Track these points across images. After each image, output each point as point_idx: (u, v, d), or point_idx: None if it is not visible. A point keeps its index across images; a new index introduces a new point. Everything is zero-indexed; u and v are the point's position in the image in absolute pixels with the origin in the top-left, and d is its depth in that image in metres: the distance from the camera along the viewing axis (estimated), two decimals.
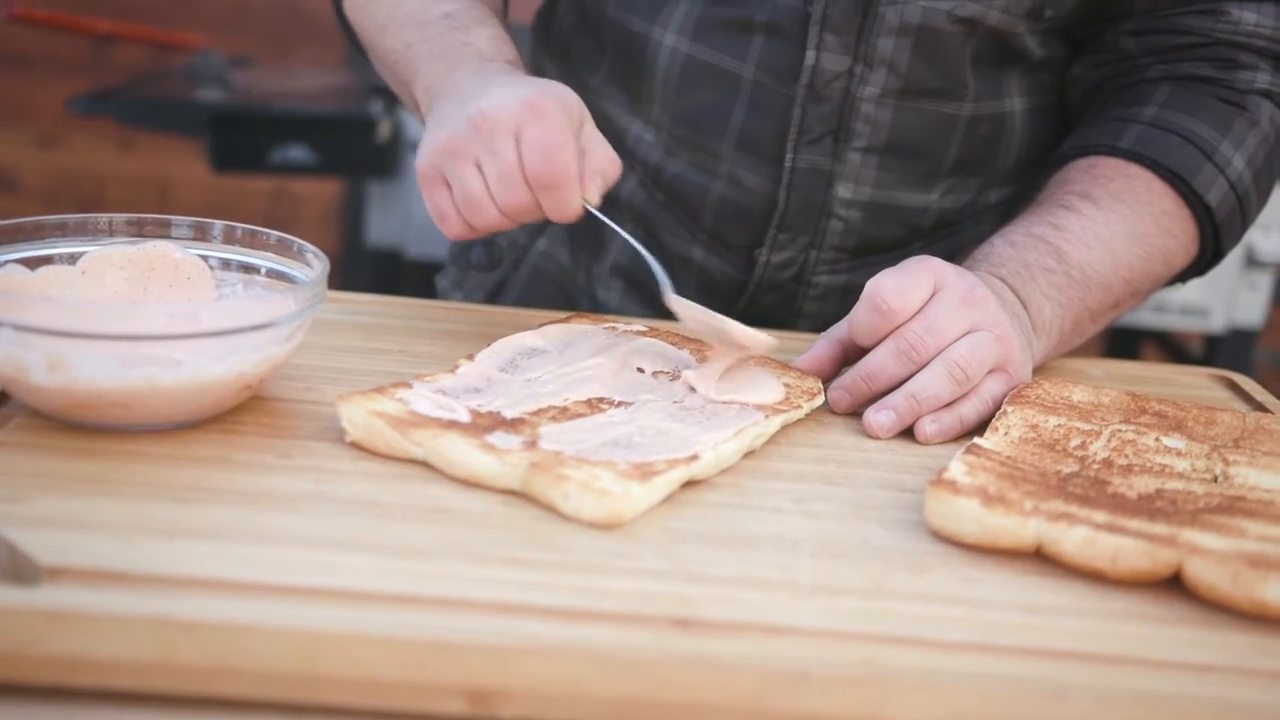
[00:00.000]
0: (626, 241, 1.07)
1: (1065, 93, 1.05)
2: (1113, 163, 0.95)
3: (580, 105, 0.82)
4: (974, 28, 0.95)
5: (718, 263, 1.04)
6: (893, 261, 0.94)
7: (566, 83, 1.08)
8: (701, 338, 0.83)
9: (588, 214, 0.81)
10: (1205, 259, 0.99)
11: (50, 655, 0.51)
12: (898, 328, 0.79)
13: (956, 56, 0.96)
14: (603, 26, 1.03)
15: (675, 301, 0.80)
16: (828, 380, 0.82)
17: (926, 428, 0.78)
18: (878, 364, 0.79)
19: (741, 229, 1.02)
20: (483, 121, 0.78)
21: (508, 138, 0.77)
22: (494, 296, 1.14)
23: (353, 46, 1.07)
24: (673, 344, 0.86)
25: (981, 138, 1.01)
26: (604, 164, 0.81)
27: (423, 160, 0.81)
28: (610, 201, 1.06)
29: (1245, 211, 0.97)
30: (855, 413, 0.81)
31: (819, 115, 0.96)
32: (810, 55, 0.95)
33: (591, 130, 0.82)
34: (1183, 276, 1.01)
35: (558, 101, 0.79)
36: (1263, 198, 0.98)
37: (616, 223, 1.07)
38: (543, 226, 1.12)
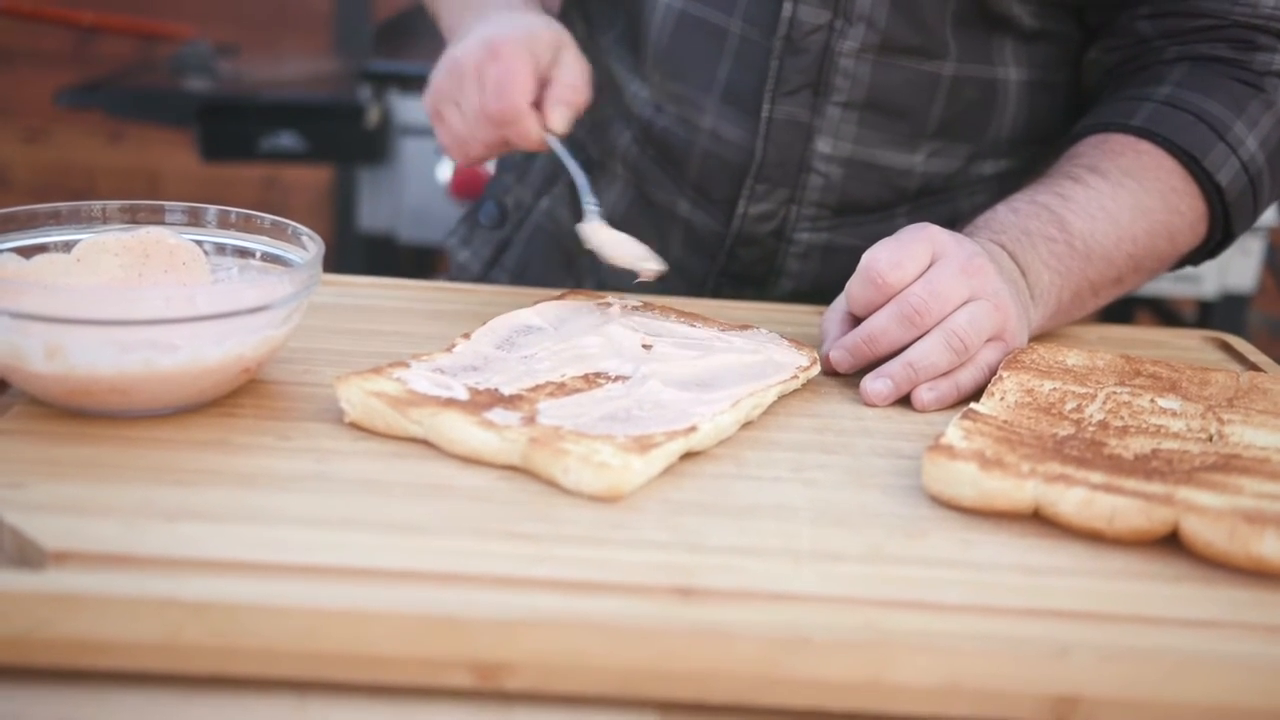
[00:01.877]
0: (619, 199, 1.09)
1: (1082, 77, 1.04)
2: (1124, 139, 0.94)
3: (555, 37, 0.89)
4: None
5: (702, 216, 1.05)
6: (877, 223, 0.94)
7: (587, 44, 1.09)
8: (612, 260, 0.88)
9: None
10: (1215, 240, 0.98)
11: (56, 638, 0.51)
12: (898, 293, 0.79)
13: (935, 15, 0.96)
14: None
15: (588, 229, 0.88)
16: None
17: (923, 395, 0.79)
18: (879, 328, 0.79)
19: (723, 181, 1.03)
20: (454, 66, 0.88)
21: (472, 79, 0.87)
22: (499, 253, 1.17)
23: None
24: (671, 319, 0.86)
25: (967, 101, 1.01)
26: (566, 92, 0.88)
27: (424, 102, 0.92)
28: (607, 157, 1.07)
29: (1258, 193, 0.96)
30: (851, 382, 0.81)
31: (796, 67, 0.97)
32: (787, 7, 0.96)
33: (567, 58, 0.89)
34: (1194, 259, 1.01)
35: (521, 38, 0.87)
36: (1277, 180, 0.97)
37: (609, 177, 1.08)
38: (547, 186, 1.14)
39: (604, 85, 1.07)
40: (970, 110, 1.01)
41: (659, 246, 1.07)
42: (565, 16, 1.15)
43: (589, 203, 0.88)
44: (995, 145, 1.05)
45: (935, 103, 1.00)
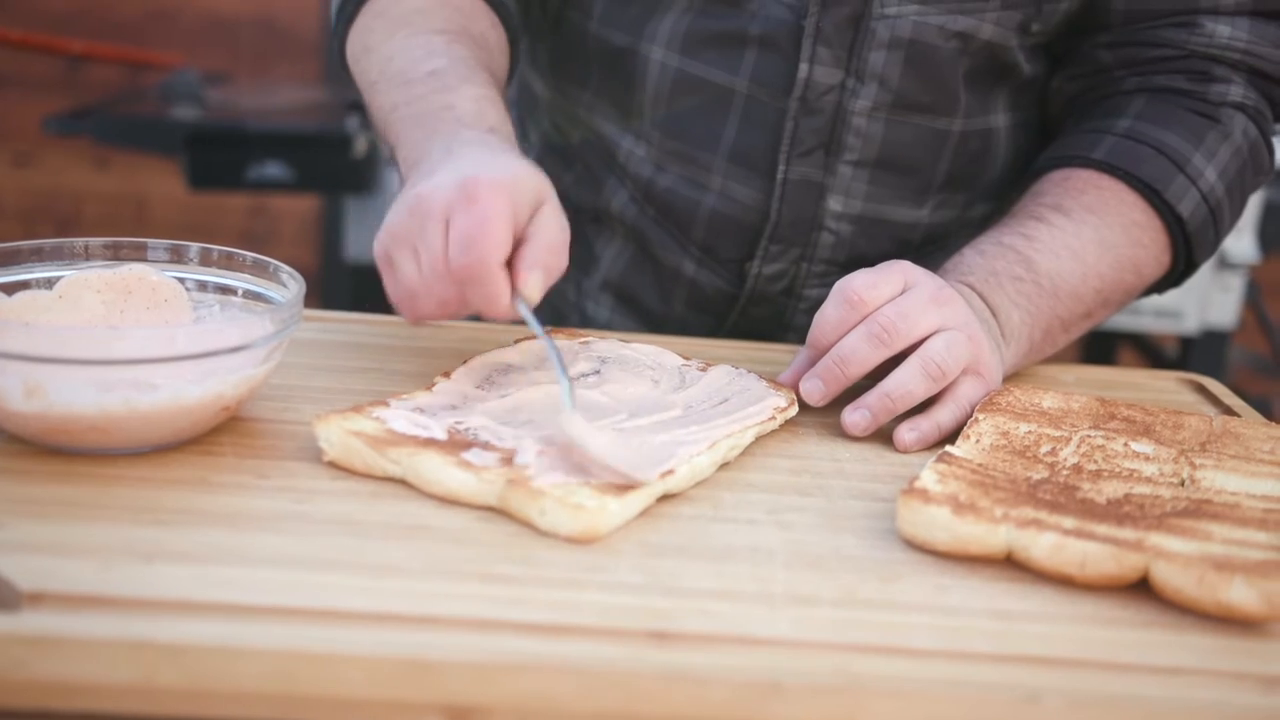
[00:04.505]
0: (617, 256, 1.08)
1: (1045, 105, 1.06)
2: (1085, 174, 0.96)
3: (538, 187, 0.75)
4: (968, 43, 0.96)
5: (709, 276, 1.05)
6: None
7: (554, 98, 1.09)
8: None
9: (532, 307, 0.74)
10: (1179, 270, 1.00)
11: (32, 680, 0.52)
12: (867, 315, 0.80)
13: (949, 72, 0.97)
14: (587, 41, 1.04)
15: (569, 423, 0.69)
16: None
17: (905, 436, 0.79)
18: (850, 349, 0.79)
19: (733, 242, 1.03)
20: (419, 206, 0.73)
21: (439, 224, 0.72)
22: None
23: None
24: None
25: (971, 154, 1.02)
26: (544, 256, 0.73)
27: (376, 244, 0.76)
28: (601, 216, 1.07)
29: (1218, 223, 0.98)
30: (828, 423, 0.82)
31: (811, 128, 0.98)
32: (804, 68, 0.96)
33: (548, 214, 0.75)
34: (1159, 287, 1.02)
35: (501, 183, 0.72)
36: (1236, 210, 0.99)
37: (608, 234, 1.08)
38: None
39: (589, 142, 1.07)
40: (971, 161, 1.03)
41: (661, 305, 1.07)
42: (523, 73, 1.15)
43: (567, 396, 0.72)
44: (987, 190, 1.06)
45: (943, 158, 1.01)
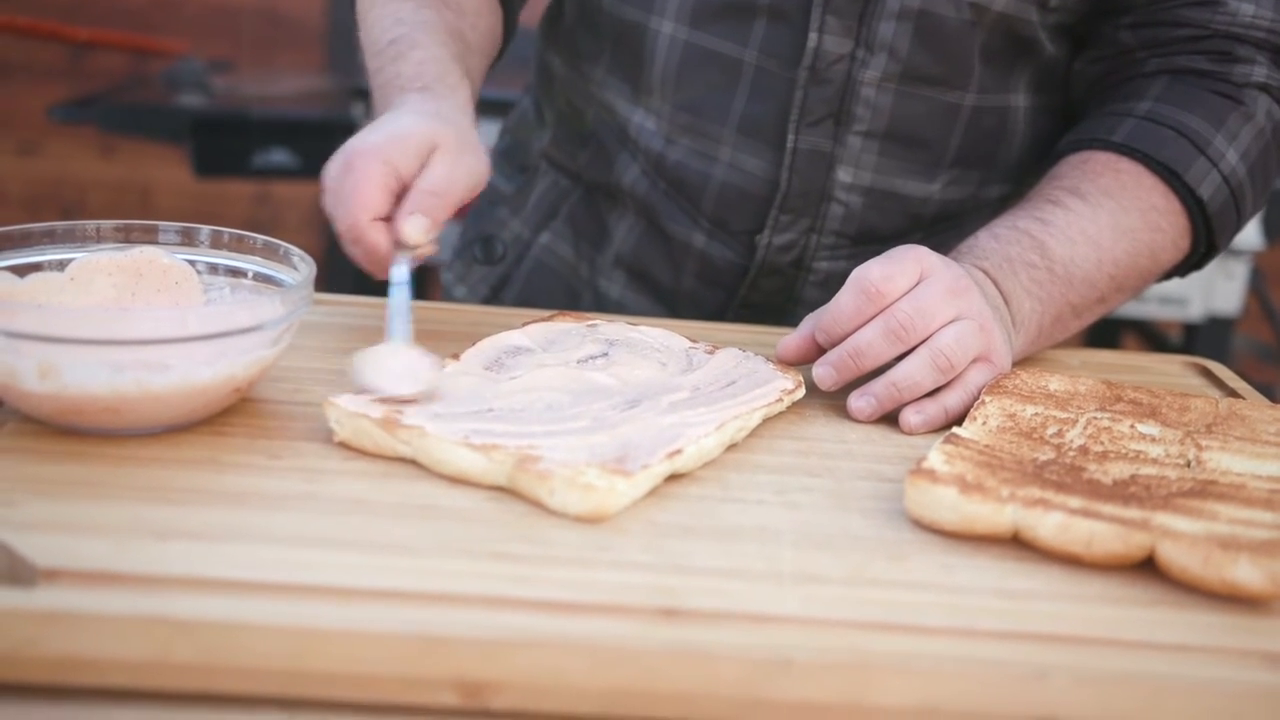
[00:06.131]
0: (629, 232, 1.09)
1: (1068, 88, 1.06)
2: (1104, 157, 0.95)
3: (427, 139, 0.79)
4: (982, 15, 0.96)
5: (719, 248, 1.05)
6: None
7: (571, 76, 1.10)
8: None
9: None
10: (1199, 253, 0.99)
11: (47, 655, 0.52)
12: (885, 309, 0.79)
13: (962, 45, 0.97)
14: (600, 18, 1.05)
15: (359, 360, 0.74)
16: (808, 362, 0.83)
17: (911, 418, 0.79)
18: (866, 342, 0.79)
19: (743, 213, 1.03)
20: (325, 179, 0.81)
21: (334, 193, 0.79)
22: (498, 291, 1.15)
23: None
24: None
25: (984, 130, 1.02)
26: (420, 200, 0.77)
27: None
28: (614, 192, 1.08)
29: (1240, 206, 0.97)
30: (835, 405, 0.82)
31: (820, 97, 0.98)
32: (813, 37, 0.96)
33: (435, 160, 0.79)
34: (1179, 271, 1.01)
35: (380, 145, 0.78)
36: (1259, 192, 0.98)
37: (620, 210, 1.08)
38: (546, 220, 1.13)
39: (601, 119, 1.07)
40: (985, 138, 1.02)
41: (672, 279, 1.08)
42: (542, 53, 1.16)
43: (396, 330, 0.76)
44: (1005, 170, 1.06)
45: (954, 133, 1.01)
